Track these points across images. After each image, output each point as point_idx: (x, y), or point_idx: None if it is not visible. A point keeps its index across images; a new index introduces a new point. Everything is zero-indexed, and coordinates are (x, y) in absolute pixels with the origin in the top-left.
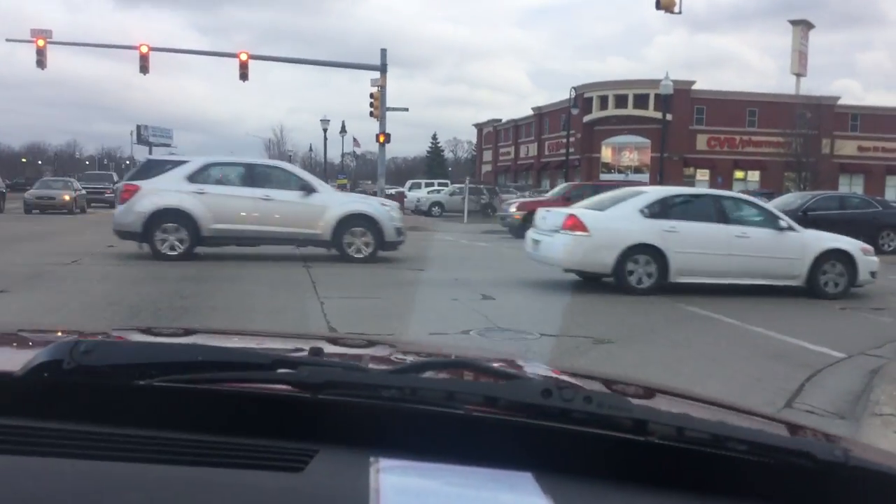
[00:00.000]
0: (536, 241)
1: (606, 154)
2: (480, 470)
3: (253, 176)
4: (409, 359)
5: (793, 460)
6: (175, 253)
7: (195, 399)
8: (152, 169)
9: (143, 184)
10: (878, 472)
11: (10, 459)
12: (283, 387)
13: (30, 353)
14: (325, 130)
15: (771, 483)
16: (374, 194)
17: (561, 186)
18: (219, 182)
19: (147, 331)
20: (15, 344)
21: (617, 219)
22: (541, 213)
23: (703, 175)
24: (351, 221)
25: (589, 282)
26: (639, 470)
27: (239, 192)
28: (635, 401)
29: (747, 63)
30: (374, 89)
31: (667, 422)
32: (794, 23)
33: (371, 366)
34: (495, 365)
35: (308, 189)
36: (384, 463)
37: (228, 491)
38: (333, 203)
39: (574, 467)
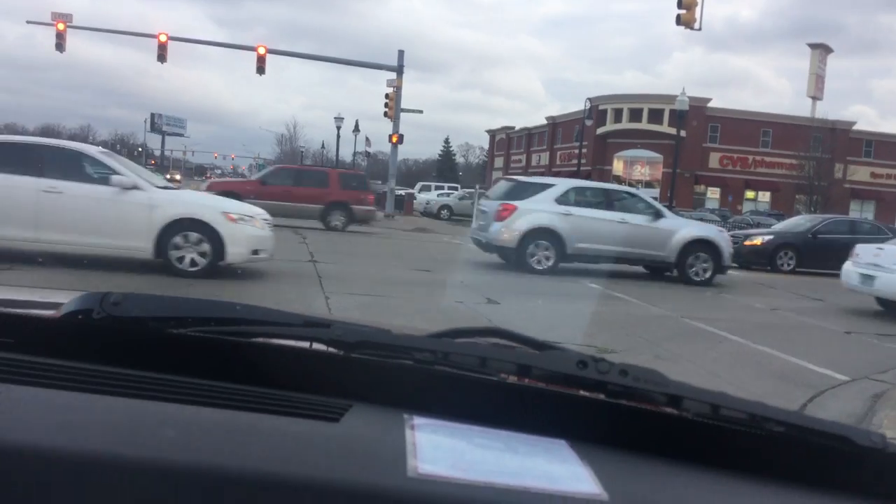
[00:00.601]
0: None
1: (618, 167)
2: (515, 434)
3: (610, 200)
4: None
5: (831, 443)
6: (541, 268)
7: (230, 350)
8: (524, 191)
9: (520, 204)
10: None
11: (47, 392)
12: (318, 344)
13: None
14: (338, 128)
15: (805, 466)
16: (384, 194)
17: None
18: (580, 205)
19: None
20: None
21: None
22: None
23: (713, 193)
24: (694, 247)
25: (605, 294)
26: (673, 445)
27: (600, 215)
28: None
29: (762, 84)
30: (390, 90)
31: (703, 399)
32: (812, 46)
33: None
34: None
35: (657, 215)
36: (418, 420)
37: (265, 433)
38: (679, 228)
39: (609, 438)
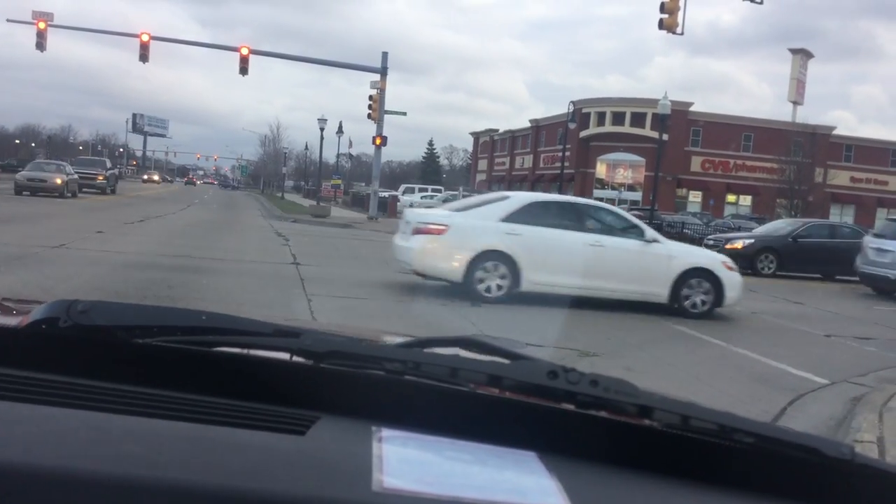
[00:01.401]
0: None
1: (601, 170)
2: (484, 446)
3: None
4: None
5: (800, 455)
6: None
7: (196, 361)
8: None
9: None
10: (882, 471)
11: (10, 406)
12: (285, 354)
13: (28, 315)
14: (322, 130)
15: (775, 477)
16: (368, 196)
17: None
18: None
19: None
20: (11, 309)
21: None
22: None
23: (695, 196)
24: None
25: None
26: (643, 456)
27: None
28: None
29: (743, 88)
30: (374, 92)
31: (672, 409)
32: (793, 51)
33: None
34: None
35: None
36: (386, 432)
37: (230, 447)
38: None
39: (578, 450)
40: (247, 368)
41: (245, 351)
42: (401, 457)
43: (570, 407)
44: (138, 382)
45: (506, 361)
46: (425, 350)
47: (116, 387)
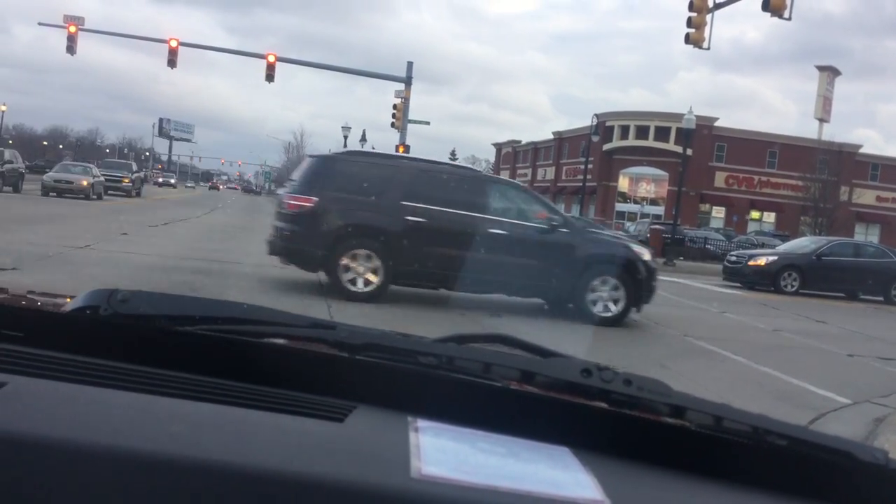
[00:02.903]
0: None
1: (623, 183)
2: (518, 440)
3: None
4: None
5: (832, 458)
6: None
7: (236, 349)
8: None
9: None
10: None
11: (55, 385)
12: (323, 346)
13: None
14: (345, 137)
15: (807, 481)
16: None
17: None
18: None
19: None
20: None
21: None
22: None
23: (718, 212)
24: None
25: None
26: (676, 456)
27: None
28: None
29: (767, 105)
30: (398, 100)
31: (706, 410)
32: (820, 69)
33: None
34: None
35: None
36: (422, 423)
37: (271, 430)
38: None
39: (610, 447)
40: (285, 358)
41: (284, 341)
42: (437, 446)
43: (603, 405)
44: (180, 368)
45: (539, 358)
46: (460, 345)
47: (158, 371)
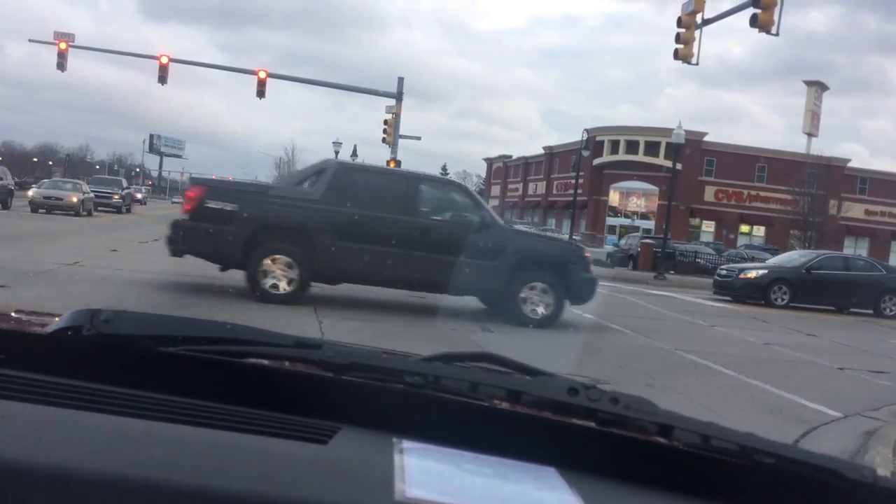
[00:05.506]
0: None
1: (614, 198)
2: (504, 460)
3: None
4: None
5: (821, 476)
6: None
7: (219, 370)
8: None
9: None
10: None
11: (35, 409)
12: (307, 366)
13: (50, 324)
14: (336, 153)
15: (795, 499)
16: None
17: None
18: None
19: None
20: (30, 319)
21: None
22: None
23: (708, 226)
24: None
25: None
26: (663, 475)
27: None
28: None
29: (754, 120)
30: (389, 116)
31: (693, 429)
32: (808, 83)
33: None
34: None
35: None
36: (407, 444)
37: (253, 453)
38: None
39: (598, 467)
40: (269, 379)
41: (267, 362)
42: (422, 468)
43: (591, 424)
44: (162, 390)
45: (526, 377)
46: (447, 364)
47: (140, 394)
